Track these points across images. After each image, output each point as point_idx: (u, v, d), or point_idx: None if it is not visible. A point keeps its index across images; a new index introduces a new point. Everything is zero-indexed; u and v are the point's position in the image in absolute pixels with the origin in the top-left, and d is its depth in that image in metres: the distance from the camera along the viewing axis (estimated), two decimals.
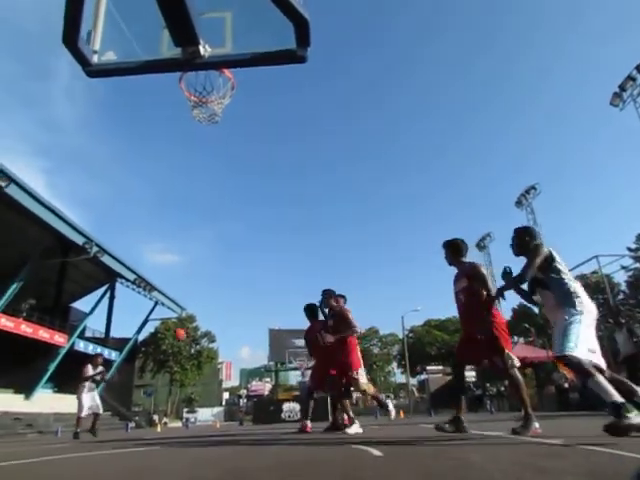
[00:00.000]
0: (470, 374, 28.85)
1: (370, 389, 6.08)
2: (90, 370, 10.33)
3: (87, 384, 10.25)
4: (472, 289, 4.55)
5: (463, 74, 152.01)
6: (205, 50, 3.20)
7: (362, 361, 6.19)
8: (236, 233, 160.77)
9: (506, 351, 4.40)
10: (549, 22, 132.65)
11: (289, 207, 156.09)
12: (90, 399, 10.28)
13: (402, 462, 2.76)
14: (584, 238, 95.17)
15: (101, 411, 10.59)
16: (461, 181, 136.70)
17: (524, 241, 3.98)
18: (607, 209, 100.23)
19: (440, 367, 38.38)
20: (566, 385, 17.63)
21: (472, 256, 5.10)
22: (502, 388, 26.22)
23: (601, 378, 3.22)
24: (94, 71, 3.34)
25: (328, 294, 6.51)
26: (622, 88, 18.18)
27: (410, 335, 58.24)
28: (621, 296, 40.01)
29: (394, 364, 64.21)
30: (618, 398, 3.13)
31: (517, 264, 3.94)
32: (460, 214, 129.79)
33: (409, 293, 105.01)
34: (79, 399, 10.22)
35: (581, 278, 36.40)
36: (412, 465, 2.58)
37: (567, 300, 3.56)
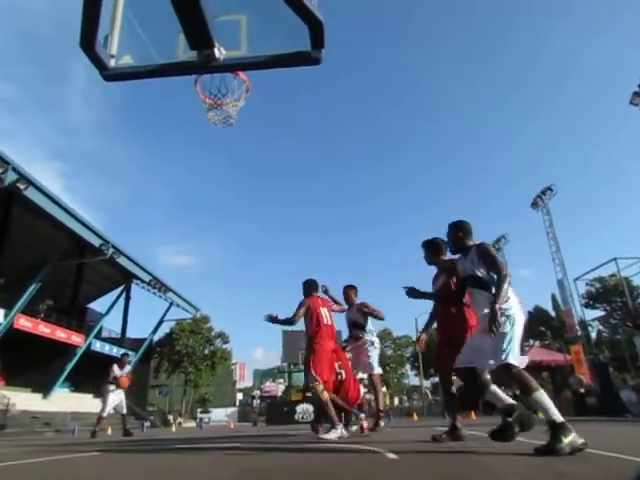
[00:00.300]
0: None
1: (324, 396, 5.13)
2: (116, 370, 10.30)
3: (111, 394, 10.21)
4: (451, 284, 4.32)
5: (480, 73, 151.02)
6: (220, 53, 3.22)
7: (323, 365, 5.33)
8: (251, 234, 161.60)
9: None
10: (568, 22, 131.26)
11: (304, 207, 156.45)
12: (116, 399, 10.27)
13: (417, 465, 2.75)
14: (603, 240, 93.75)
15: (124, 411, 10.59)
16: (476, 181, 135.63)
17: (457, 237, 3.76)
18: (626, 210, 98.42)
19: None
20: (582, 390, 17.34)
21: None
22: (517, 392, 25.86)
23: (544, 393, 3.11)
24: (111, 75, 3.38)
25: (349, 289, 6.43)
26: None
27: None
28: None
29: (407, 366, 63.78)
30: (559, 417, 3.01)
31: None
32: (474, 215, 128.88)
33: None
34: (104, 398, 10.23)
35: (599, 281, 35.92)
36: (427, 469, 2.57)
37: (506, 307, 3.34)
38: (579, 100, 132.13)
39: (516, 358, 3.11)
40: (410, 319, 70.73)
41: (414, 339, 53.58)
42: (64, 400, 25.11)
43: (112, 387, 10.18)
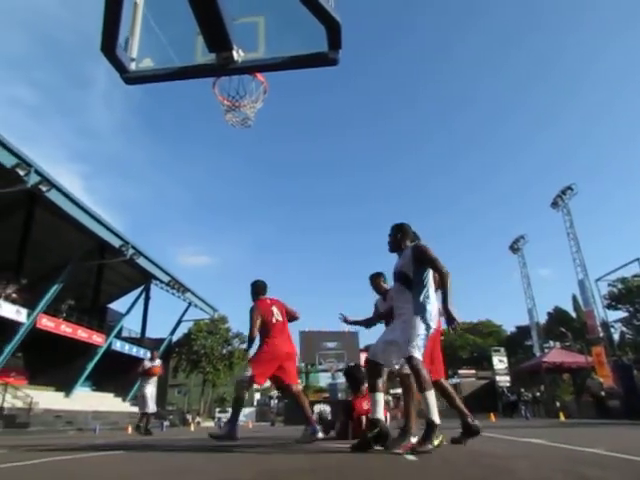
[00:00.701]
0: (504, 379, 28.27)
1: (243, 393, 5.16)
2: (147, 363, 10.60)
3: (150, 380, 10.45)
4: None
5: (496, 72, 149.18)
6: (238, 55, 3.25)
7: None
8: (267, 234, 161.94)
9: None
10: (589, 21, 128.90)
11: (321, 208, 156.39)
12: (153, 393, 10.48)
13: (438, 467, 2.73)
14: (625, 240, 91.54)
15: (150, 410, 10.56)
16: (494, 181, 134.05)
17: (396, 237, 3.92)
18: None
19: (472, 371, 37.64)
20: (602, 393, 17.02)
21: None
22: (538, 394, 25.57)
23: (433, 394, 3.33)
24: (132, 78, 3.44)
25: (377, 277, 5.81)
26: None
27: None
28: None
29: None
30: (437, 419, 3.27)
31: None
32: (493, 215, 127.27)
33: None
34: (142, 395, 10.44)
35: (622, 281, 35.26)
36: (448, 470, 2.55)
37: (423, 310, 3.52)
38: (599, 100, 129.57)
39: (420, 355, 3.36)
40: None
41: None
42: (85, 399, 25.52)
43: (146, 383, 10.42)
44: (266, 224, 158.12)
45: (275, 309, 5.32)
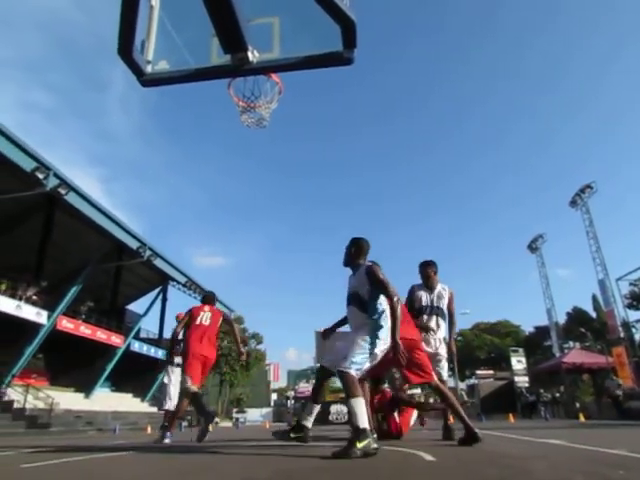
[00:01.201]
0: (523, 379, 27.93)
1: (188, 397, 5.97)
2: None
3: (173, 375, 9.45)
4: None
5: (513, 71, 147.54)
6: (253, 56, 3.26)
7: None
8: (282, 235, 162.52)
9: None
10: (611, 15, 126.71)
11: (337, 208, 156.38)
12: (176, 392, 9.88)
13: (456, 467, 2.71)
14: None
15: (171, 407, 10.25)
16: (512, 179, 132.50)
17: (350, 252, 3.90)
18: None
19: (490, 372, 37.25)
20: (620, 393, 16.71)
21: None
22: (557, 394, 25.21)
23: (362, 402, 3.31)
24: (148, 80, 3.48)
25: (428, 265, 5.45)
26: None
27: (459, 339, 56.99)
28: None
29: None
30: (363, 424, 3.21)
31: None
32: (510, 214, 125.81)
33: (458, 295, 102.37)
34: (165, 389, 9.83)
35: None
36: (466, 470, 2.53)
37: (377, 329, 3.54)
38: (619, 96, 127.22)
39: (358, 371, 3.37)
40: None
41: (448, 340, 52.81)
42: (105, 399, 25.89)
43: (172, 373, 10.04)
44: (280, 224, 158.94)
45: (205, 314, 6.05)
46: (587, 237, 25.03)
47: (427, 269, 5.23)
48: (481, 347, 56.74)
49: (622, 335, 22.94)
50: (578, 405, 21.73)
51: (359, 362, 3.43)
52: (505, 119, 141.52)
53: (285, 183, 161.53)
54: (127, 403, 26.92)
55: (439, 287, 5.25)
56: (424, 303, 5.18)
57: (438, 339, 5.12)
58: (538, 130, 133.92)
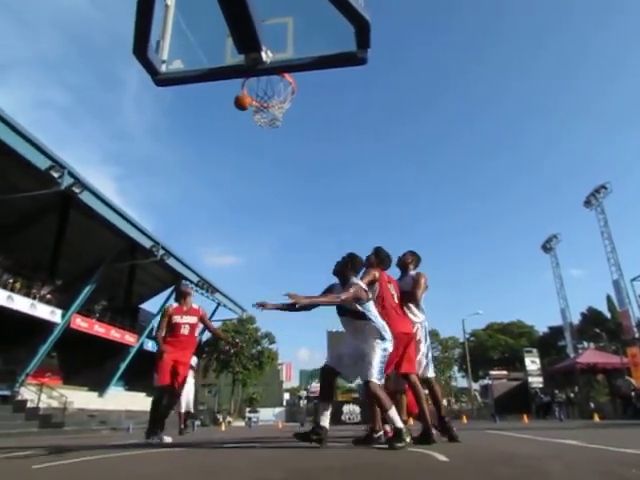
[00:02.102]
0: (537, 380, 27.67)
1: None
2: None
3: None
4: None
5: (528, 70, 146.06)
6: (267, 56, 3.27)
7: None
8: (294, 235, 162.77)
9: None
10: (621, 16, 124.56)
11: (348, 209, 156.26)
12: (188, 392, 9.63)
13: (470, 467, 2.70)
14: None
15: (190, 408, 10.07)
16: (525, 179, 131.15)
17: (346, 265, 4.21)
18: None
19: (504, 372, 36.97)
20: (632, 393, 16.52)
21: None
22: (572, 395, 24.94)
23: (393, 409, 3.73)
24: (163, 80, 3.51)
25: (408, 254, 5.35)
26: None
27: (472, 339, 56.64)
28: None
29: (455, 368, 62.64)
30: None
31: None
32: (525, 213, 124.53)
33: (470, 296, 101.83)
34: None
35: None
36: (480, 471, 2.52)
37: (380, 331, 3.89)
38: (632, 96, 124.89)
39: (378, 378, 3.74)
40: (457, 320, 69.40)
41: (461, 341, 52.97)
42: (118, 398, 26.11)
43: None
44: (293, 224, 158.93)
45: (181, 317, 6.04)
46: (602, 237, 24.81)
47: (403, 258, 5.31)
48: (495, 347, 56.36)
49: (637, 335, 22.64)
50: (593, 405, 21.47)
51: (381, 370, 3.76)
52: (519, 119, 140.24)
53: (296, 183, 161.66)
54: (141, 402, 27.09)
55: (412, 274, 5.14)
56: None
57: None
58: (553, 129, 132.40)
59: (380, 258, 4.86)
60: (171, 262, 27.87)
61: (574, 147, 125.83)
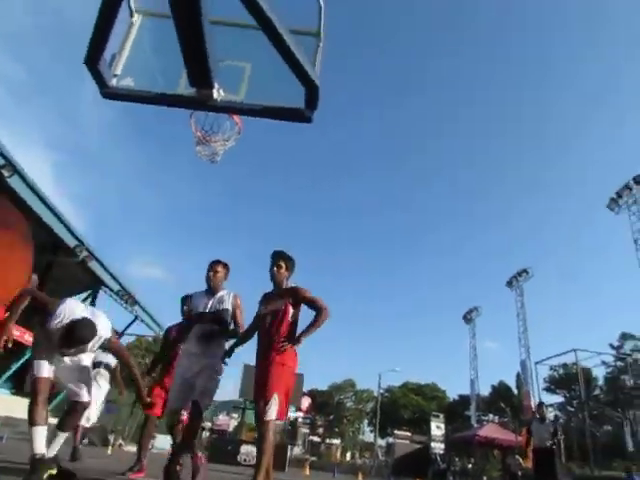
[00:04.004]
0: (439, 446, 28.20)
1: None
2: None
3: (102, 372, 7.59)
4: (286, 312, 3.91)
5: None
6: (219, 94, 3.34)
7: None
8: (232, 260, 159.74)
9: (274, 395, 3.59)
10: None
11: (284, 239, 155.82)
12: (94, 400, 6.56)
13: None
14: (574, 326, 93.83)
15: (89, 424, 7.54)
16: (457, 255, 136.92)
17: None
18: (595, 299, 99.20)
19: (408, 433, 37.44)
20: (519, 472, 17.41)
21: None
22: (469, 465, 25.60)
23: None
24: (110, 93, 3.45)
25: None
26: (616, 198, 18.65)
27: (386, 395, 57.22)
28: (597, 391, 39.81)
29: (365, 421, 62.80)
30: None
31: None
32: (455, 285, 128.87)
33: (392, 352, 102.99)
34: None
35: (563, 367, 36.34)
36: None
37: None
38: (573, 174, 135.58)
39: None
40: (374, 373, 70.07)
41: (375, 394, 53.31)
42: (1, 402, 23.99)
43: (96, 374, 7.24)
44: (233, 248, 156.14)
45: None
46: (517, 318, 26.27)
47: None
48: (407, 407, 57.11)
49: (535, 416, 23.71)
50: (485, 479, 22.12)
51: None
52: (451, 198, 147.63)
53: (248, 212, 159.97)
54: (25, 409, 25.07)
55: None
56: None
57: None
58: (498, 208, 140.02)
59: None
60: (93, 266, 26.56)
61: (515, 224, 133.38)
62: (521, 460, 16.80)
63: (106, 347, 3.99)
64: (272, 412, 3.49)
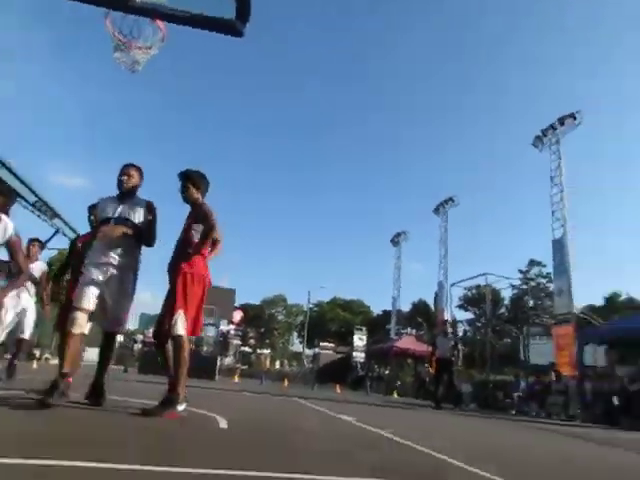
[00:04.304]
0: (360, 355, 30.56)
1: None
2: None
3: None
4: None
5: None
6: None
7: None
8: (155, 170, 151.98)
9: (178, 310, 3.50)
10: None
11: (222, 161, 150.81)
12: (12, 311, 6.32)
13: (244, 435, 3.08)
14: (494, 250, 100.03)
15: (27, 335, 6.89)
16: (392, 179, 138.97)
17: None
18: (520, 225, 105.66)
19: (332, 344, 40.56)
20: (427, 379, 19.87)
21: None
22: (386, 372, 28.20)
23: None
24: None
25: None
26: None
27: (315, 309, 60.04)
28: (503, 310, 45.03)
29: (295, 334, 66.49)
30: None
31: None
32: (382, 210, 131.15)
33: (325, 270, 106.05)
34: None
35: (476, 288, 40.02)
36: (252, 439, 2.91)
37: None
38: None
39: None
40: (305, 289, 72.67)
41: (305, 309, 55.86)
42: None
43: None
44: (156, 158, 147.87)
45: None
46: (439, 243, 27.95)
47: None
48: (334, 320, 60.51)
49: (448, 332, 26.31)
50: (399, 383, 24.66)
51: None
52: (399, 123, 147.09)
53: (170, 116, 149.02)
54: None
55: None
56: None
57: None
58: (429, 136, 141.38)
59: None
60: (4, 175, 24.70)
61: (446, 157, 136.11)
62: (430, 369, 18.97)
63: (7, 244, 3.48)
64: (179, 328, 3.44)
